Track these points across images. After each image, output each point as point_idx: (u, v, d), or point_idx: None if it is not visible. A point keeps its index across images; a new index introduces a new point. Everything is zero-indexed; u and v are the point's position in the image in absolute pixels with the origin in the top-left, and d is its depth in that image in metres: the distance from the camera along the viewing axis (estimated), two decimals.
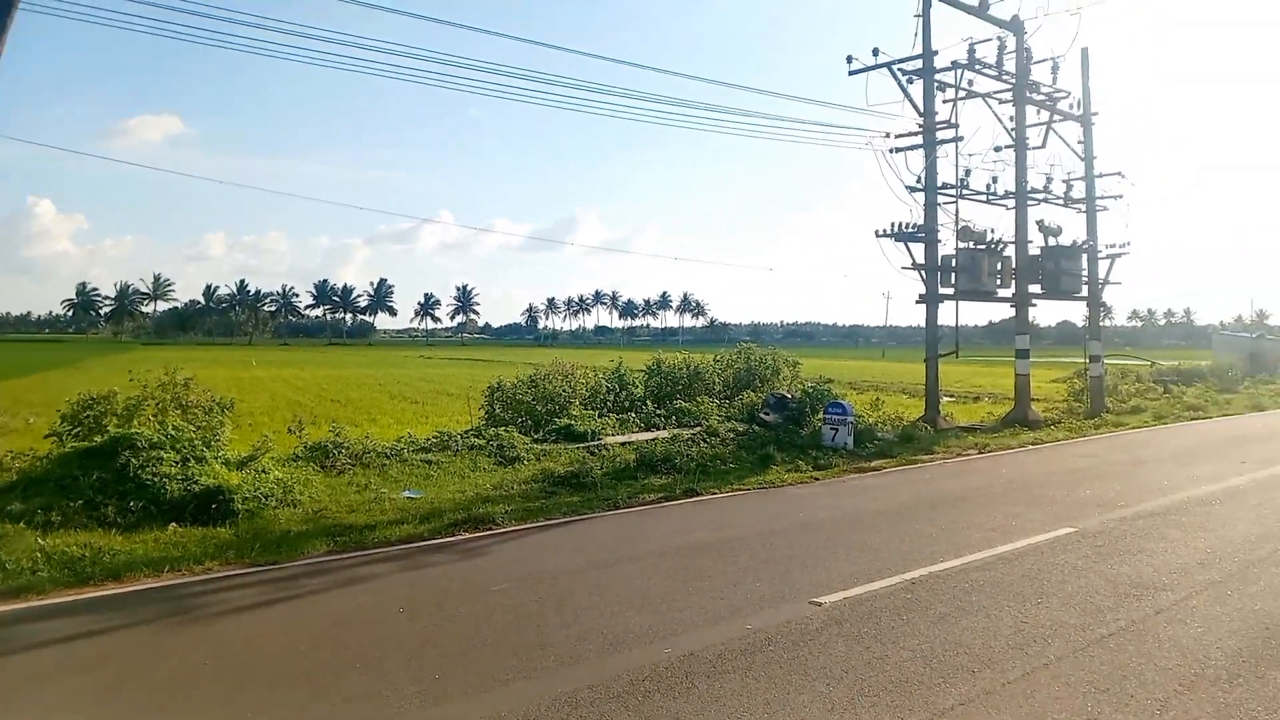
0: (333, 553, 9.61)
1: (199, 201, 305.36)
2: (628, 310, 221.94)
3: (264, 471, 11.99)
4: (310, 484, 12.34)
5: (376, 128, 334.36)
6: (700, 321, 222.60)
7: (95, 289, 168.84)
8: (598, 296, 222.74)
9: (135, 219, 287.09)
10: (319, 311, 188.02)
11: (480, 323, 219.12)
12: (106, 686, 5.90)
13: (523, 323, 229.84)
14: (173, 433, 11.65)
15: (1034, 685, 5.68)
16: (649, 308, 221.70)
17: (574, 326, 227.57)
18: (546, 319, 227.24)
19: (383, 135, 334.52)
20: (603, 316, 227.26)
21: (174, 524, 10.11)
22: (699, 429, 17.40)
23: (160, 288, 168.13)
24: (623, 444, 16.06)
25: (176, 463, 11.06)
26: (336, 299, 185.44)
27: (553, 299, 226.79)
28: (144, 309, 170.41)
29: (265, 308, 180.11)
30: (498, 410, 18.09)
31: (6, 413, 20.53)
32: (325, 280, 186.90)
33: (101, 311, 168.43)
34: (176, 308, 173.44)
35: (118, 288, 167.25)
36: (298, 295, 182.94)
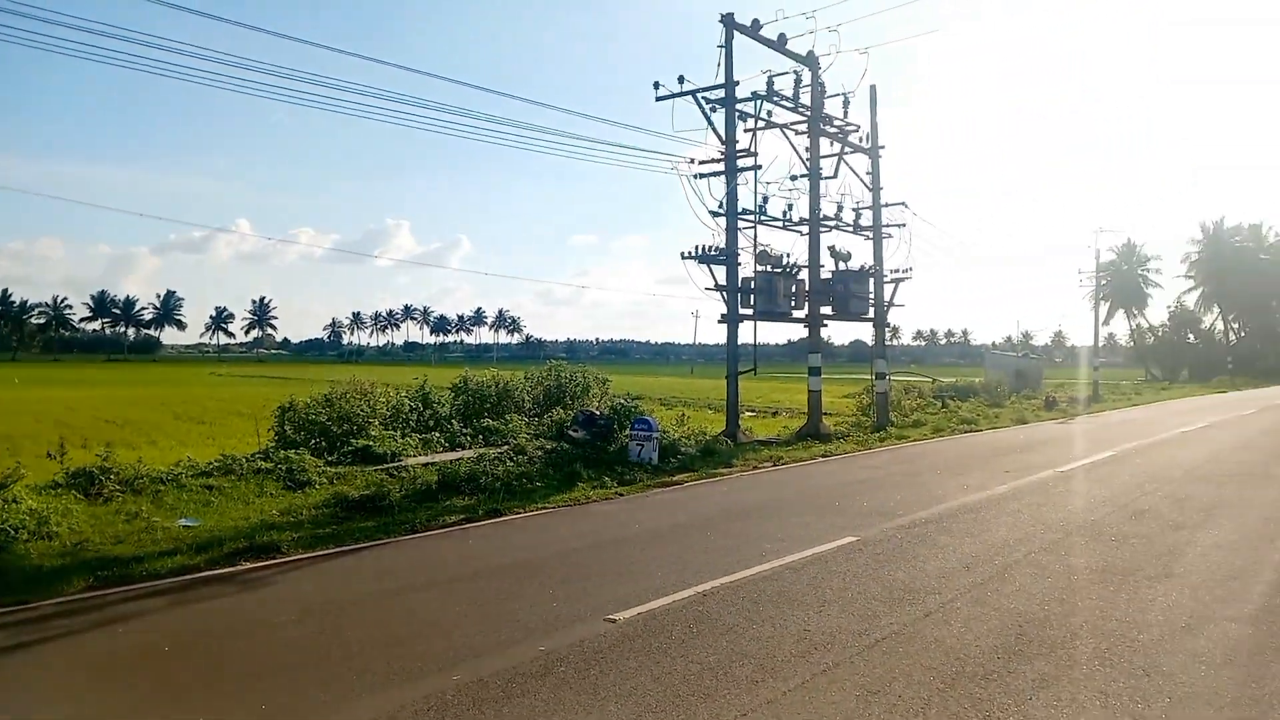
0: (93, 589, 8.78)
1: None
2: (440, 326, 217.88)
3: (14, 501, 10.83)
4: (71, 514, 11.24)
5: (168, 132, 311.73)
6: (516, 338, 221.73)
7: None
8: (408, 311, 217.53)
9: None
10: (96, 325, 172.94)
11: (279, 338, 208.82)
12: None
13: (325, 338, 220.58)
14: None
15: (812, 692, 5.91)
16: (462, 324, 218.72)
17: (382, 343, 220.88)
18: (352, 334, 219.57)
19: (176, 139, 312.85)
20: (414, 332, 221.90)
21: None
22: (507, 447, 17.20)
23: None
24: (425, 465, 15.62)
25: None
26: (117, 311, 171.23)
27: (358, 314, 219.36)
28: None
29: (32, 320, 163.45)
30: (289, 431, 17.17)
31: None
32: (104, 291, 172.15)
33: None
34: None
35: None
36: (71, 307, 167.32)
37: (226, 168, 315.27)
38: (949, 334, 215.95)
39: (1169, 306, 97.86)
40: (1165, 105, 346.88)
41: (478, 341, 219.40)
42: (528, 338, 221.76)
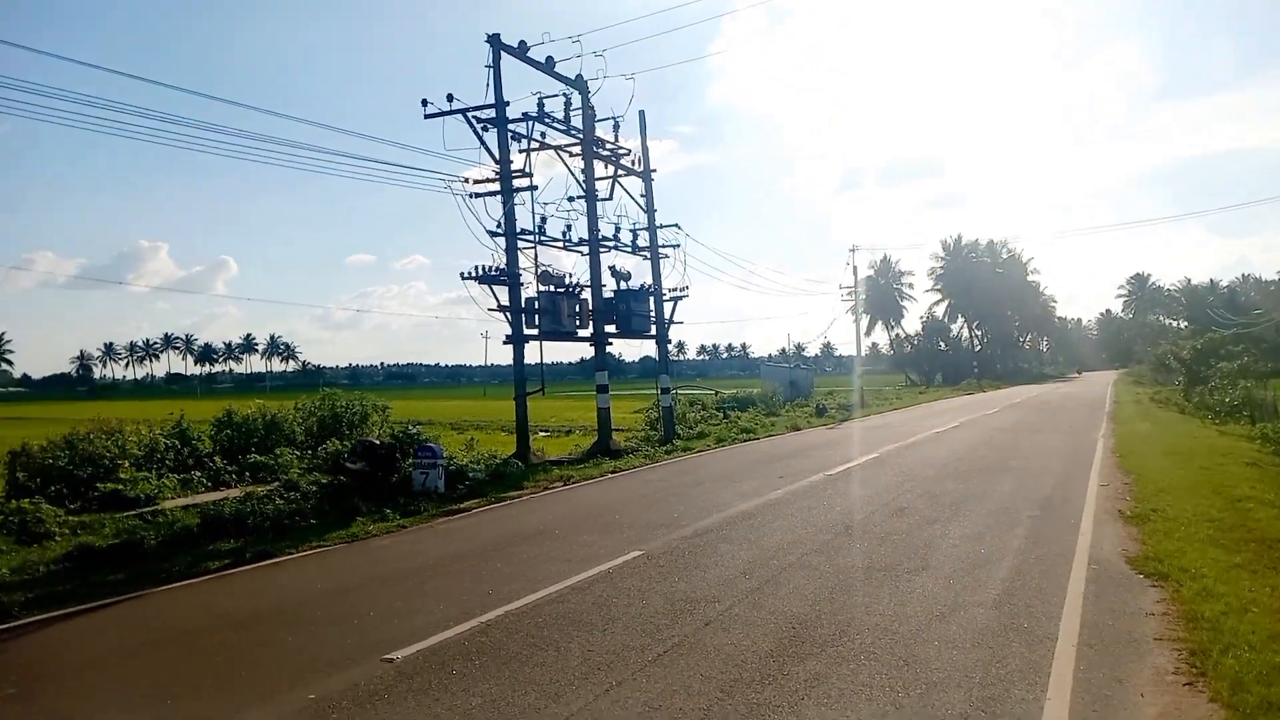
0: None
1: None
2: (206, 355, 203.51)
3: None
4: None
5: None
6: (292, 366, 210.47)
7: None
8: (168, 340, 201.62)
9: None
10: None
11: (16, 374, 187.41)
12: None
13: (73, 373, 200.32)
14: None
15: (596, 713, 5.88)
16: (231, 352, 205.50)
17: (140, 375, 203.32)
18: (104, 367, 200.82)
19: None
20: (176, 363, 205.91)
21: None
22: (277, 484, 16.17)
23: None
24: (185, 507, 14.43)
25: None
26: None
27: (111, 344, 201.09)
28: None
29: None
30: (23, 478, 15.34)
31: None
32: None
33: None
34: None
35: None
36: None
37: None
38: (730, 348, 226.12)
39: (921, 317, 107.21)
40: (923, 131, 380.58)
41: (249, 370, 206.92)
42: (305, 365, 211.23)
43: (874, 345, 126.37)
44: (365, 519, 14.25)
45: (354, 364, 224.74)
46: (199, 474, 17.19)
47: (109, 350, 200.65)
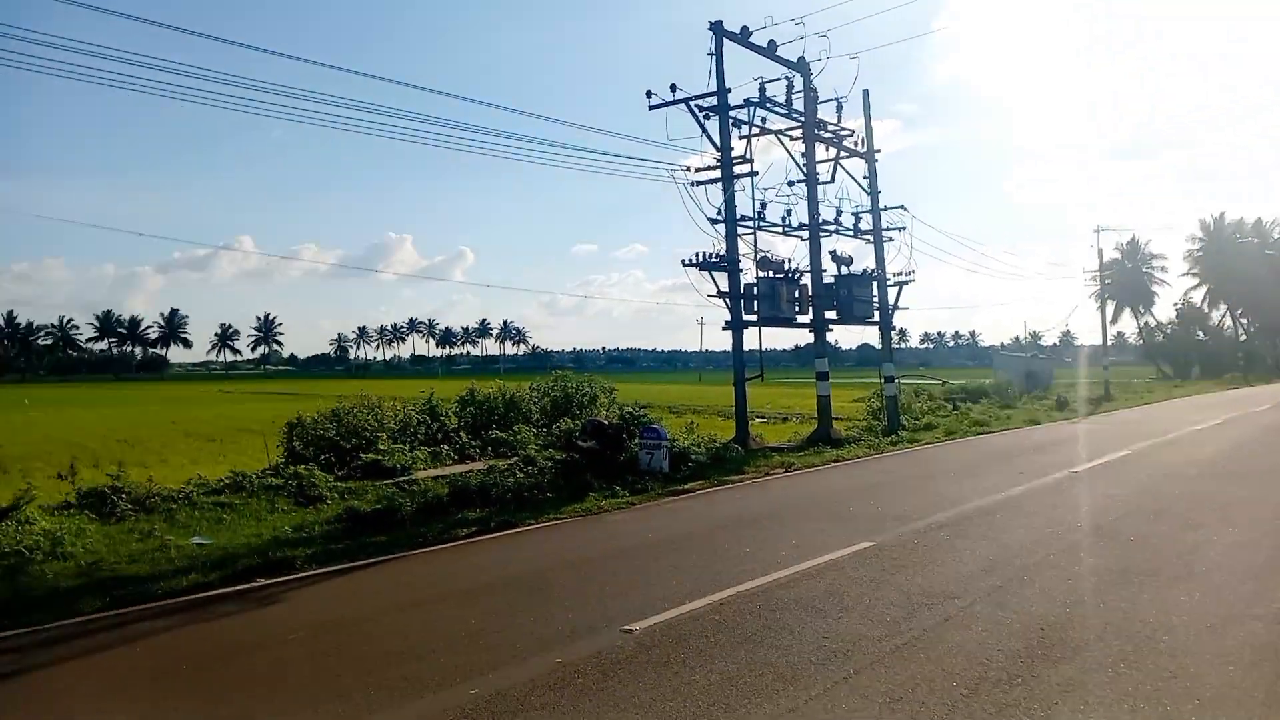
0: (109, 608, 8.74)
1: None
2: (446, 339, 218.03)
3: (28, 522, 10.83)
4: (84, 534, 11.24)
5: (171, 151, 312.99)
6: (522, 349, 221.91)
7: None
8: (413, 325, 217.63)
9: None
10: (104, 345, 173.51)
11: (285, 354, 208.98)
12: None
13: (332, 353, 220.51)
14: None
15: (834, 700, 5.84)
16: (468, 336, 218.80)
17: (389, 356, 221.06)
18: (358, 349, 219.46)
19: (179, 159, 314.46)
20: (419, 345, 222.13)
21: None
22: (516, 459, 17.17)
23: None
24: (435, 478, 15.60)
25: None
26: (123, 331, 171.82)
27: (364, 328, 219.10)
28: None
29: (40, 342, 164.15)
30: (298, 447, 17.16)
31: None
32: (110, 311, 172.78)
33: None
34: None
35: None
36: (78, 327, 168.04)
37: (228, 185, 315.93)
38: (957, 336, 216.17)
39: (1175, 304, 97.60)
40: (1165, 103, 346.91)
41: (484, 353, 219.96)
42: (534, 348, 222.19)
43: (1120, 334, 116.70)
44: (597, 495, 14.85)
45: (578, 348, 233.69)
46: (446, 447, 18.53)
47: (362, 333, 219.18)
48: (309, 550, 11.02)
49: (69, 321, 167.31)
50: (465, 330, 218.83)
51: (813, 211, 25.25)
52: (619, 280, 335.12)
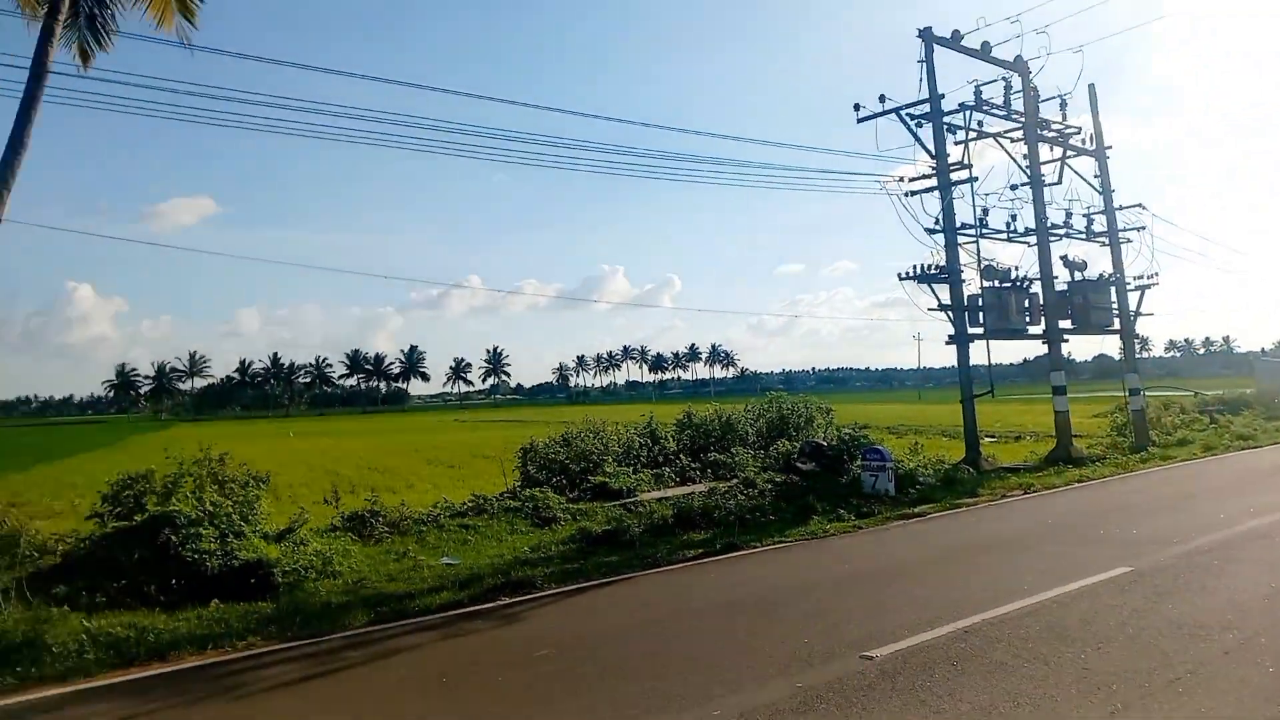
0: (373, 623, 9.52)
1: (232, 279, 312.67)
2: (657, 364, 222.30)
3: (302, 543, 11.96)
4: (349, 554, 12.29)
5: (404, 198, 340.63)
6: (731, 372, 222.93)
7: (134, 369, 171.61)
8: (626, 352, 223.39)
9: (172, 299, 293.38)
10: (353, 380, 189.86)
11: (512, 383, 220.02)
12: None
13: (554, 381, 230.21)
14: (210, 508, 11.64)
15: None
16: (679, 361, 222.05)
17: (605, 383, 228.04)
18: (577, 377, 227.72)
19: (411, 205, 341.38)
20: (633, 371, 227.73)
21: (215, 600, 10.07)
22: (735, 481, 17.22)
23: (197, 365, 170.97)
24: (659, 499, 15.90)
25: (215, 538, 11.05)
26: (369, 367, 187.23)
27: (582, 357, 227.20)
28: (182, 386, 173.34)
29: (300, 379, 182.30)
30: (532, 471, 18.01)
31: (50, 495, 20.77)
32: (358, 350, 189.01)
33: (141, 390, 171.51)
34: (213, 384, 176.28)
35: (155, 367, 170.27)
36: (331, 365, 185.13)
37: (456, 229, 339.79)
38: (1208, 342, 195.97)
39: None
40: None
41: (694, 377, 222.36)
42: (743, 371, 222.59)
43: None
44: (820, 518, 14.61)
45: (786, 369, 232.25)
46: (668, 470, 18.85)
47: (580, 361, 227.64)
48: (547, 569, 11.52)
49: (324, 360, 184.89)
50: (675, 355, 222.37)
51: (1039, 215, 23.83)
52: (826, 299, 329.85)
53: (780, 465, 18.76)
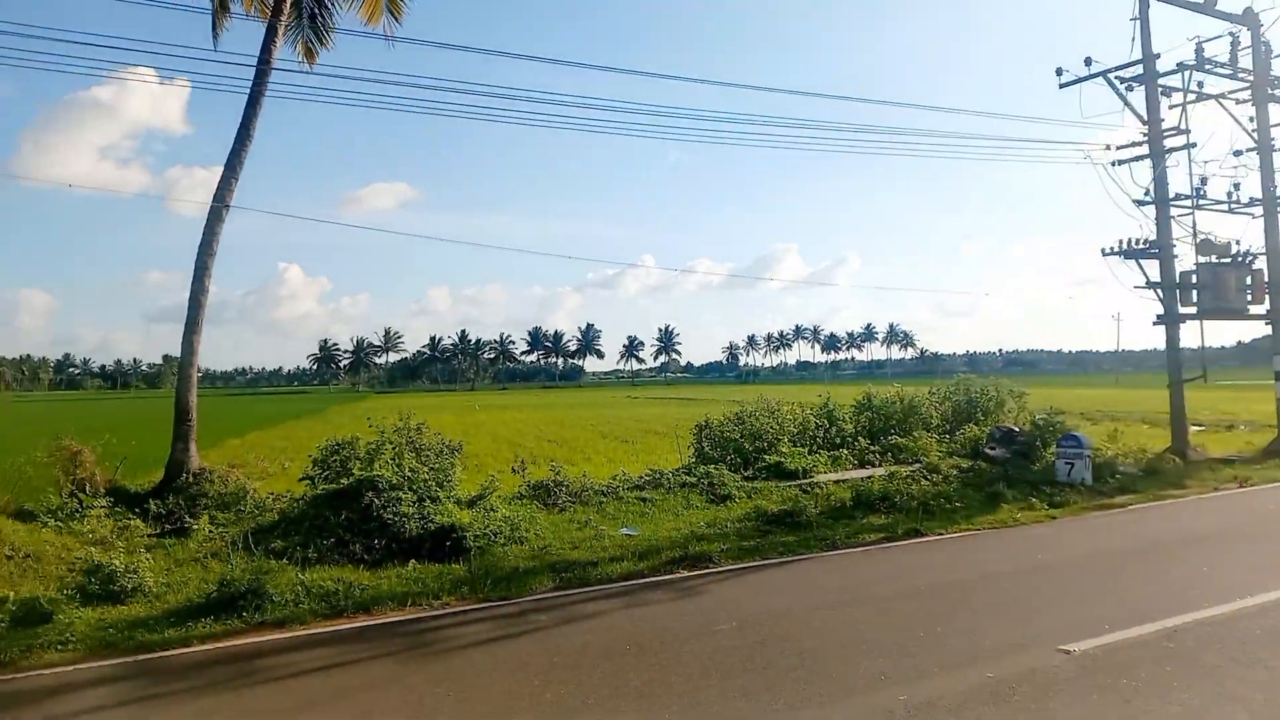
0: (558, 589, 9.89)
1: (424, 259, 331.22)
2: (830, 344, 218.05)
3: (492, 510, 12.56)
4: (534, 521, 12.79)
5: (584, 180, 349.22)
6: (909, 353, 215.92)
7: (335, 344, 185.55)
8: (798, 331, 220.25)
9: (370, 279, 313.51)
10: (533, 357, 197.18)
11: (682, 362, 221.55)
12: (358, 716, 6.30)
13: (724, 360, 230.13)
14: (409, 474, 12.42)
15: None
16: (853, 340, 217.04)
17: (775, 363, 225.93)
18: (747, 356, 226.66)
19: (590, 187, 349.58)
20: (804, 351, 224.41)
21: (413, 560, 10.76)
22: (917, 466, 16.69)
23: (391, 340, 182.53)
24: (836, 482, 15.65)
25: (413, 502, 11.80)
26: (549, 344, 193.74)
27: (753, 336, 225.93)
28: (377, 360, 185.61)
29: (485, 355, 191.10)
30: (706, 448, 18.13)
31: (265, 458, 22.71)
32: (538, 327, 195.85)
33: (341, 364, 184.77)
34: (405, 358, 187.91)
35: (354, 342, 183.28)
36: (514, 342, 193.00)
37: (632, 210, 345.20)
38: None
39: None
40: None
41: (869, 358, 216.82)
42: (922, 352, 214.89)
43: None
44: (1011, 506, 13.98)
45: (971, 351, 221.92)
46: (845, 452, 18.50)
47: (751, 341, 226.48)
48: (723, 545, 11.59)
49: (508, 337, 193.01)
50: (850, 335, 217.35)
51: (1266, 183, 21.65)
52: (1014, 276, 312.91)
53: (966, 451, 18.04)
